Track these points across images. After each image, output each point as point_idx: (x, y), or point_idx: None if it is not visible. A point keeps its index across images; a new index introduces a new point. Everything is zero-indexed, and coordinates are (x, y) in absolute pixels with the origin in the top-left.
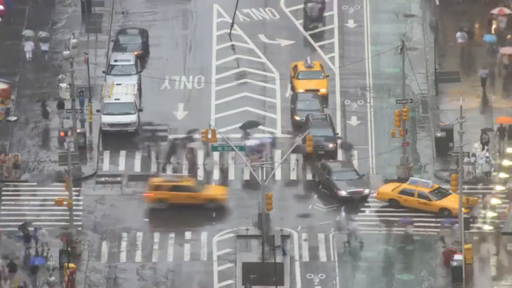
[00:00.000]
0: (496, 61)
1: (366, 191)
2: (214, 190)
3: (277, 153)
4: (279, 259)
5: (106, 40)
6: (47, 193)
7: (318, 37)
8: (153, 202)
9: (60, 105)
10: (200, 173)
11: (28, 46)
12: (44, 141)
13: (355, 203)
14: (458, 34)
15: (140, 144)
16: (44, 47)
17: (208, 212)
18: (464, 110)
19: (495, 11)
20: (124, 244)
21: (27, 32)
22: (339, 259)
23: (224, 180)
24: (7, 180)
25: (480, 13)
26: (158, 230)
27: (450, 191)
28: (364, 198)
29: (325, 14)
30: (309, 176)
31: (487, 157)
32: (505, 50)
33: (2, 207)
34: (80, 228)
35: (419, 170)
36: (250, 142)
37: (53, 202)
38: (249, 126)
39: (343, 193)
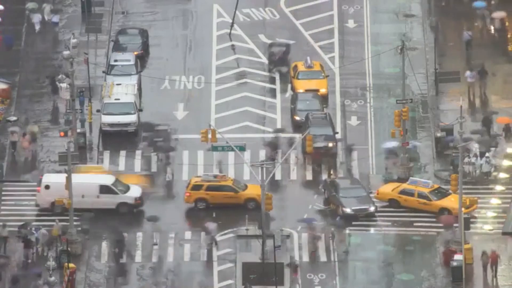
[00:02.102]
0: (486, 26)
1: (372, 208)
2: (253, 190)
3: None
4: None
5: (106, 40)
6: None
7: (318, 37)
8: (192, 202)
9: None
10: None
11: (36, 18)
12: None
13: (360, 219)
14: (468, 73)
15: (147, 149)
16: (55, 18)
17: (209, 212)
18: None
19: None
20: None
21: (31, 5)
22: (339, 259)
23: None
24: (7, 180)
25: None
26: (158, 230)
27: (450, 191)
28: (369, 215)
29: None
30: (309, 176)
31: (487, 157)
32: (496, 14)
33: (2, 207)
34: (80, 228)
35: (419, 170)
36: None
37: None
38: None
39: (347, 210)
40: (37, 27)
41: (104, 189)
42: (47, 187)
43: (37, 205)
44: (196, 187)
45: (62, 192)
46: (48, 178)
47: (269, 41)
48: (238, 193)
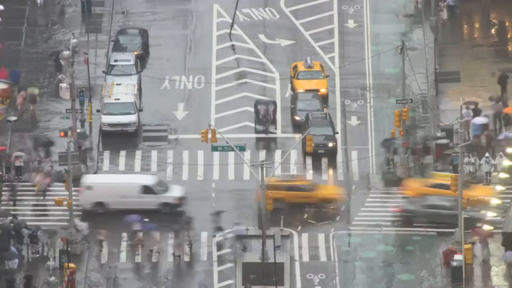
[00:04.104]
0: None
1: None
2: (329, 190)
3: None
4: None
5: (106, 40)
6: (47, 193)
7: (318, 37)
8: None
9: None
10: None
11: None
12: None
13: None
14: (464, 111)
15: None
16: None
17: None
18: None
19: None
20: (124, 244)
21: None
22: (339, 259)
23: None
24: (7, 180)
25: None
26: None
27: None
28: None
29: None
30: (309, 176)
31: (487, 157)
32: None
33: (2, 207)
34: (80, 228)
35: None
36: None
37: (53, 202)
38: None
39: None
40: (39, 0)
41: (145, 190)
42: (89, 187)
43: (80, 206)
44: (274, 187)
45: (105, 192)
46: (90, 178)
47: (269, 41)
48: (314, 193)
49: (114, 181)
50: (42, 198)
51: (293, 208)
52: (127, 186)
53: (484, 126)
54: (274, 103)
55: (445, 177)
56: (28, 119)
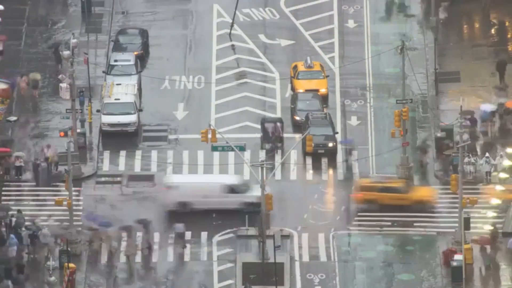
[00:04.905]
0: None
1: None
2: (422, 192)
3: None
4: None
5: (106, 40)
6: (47, 193)
7: (318, 37)
8: (362, 203)
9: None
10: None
11: None
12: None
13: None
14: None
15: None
16: None
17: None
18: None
19: None
20: (124, 244)
21: None
22: (339, 259)
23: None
24: (7, 180)
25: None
26: (158, 230)
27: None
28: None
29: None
30: (309, 177)
31: (487, 157)
32: None
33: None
34: (80, 228)
35: (419, 170)
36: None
37: (53, 202)
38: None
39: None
40: None
41: (229, 189)
42: (174, 187)
43: (163, 206)
44: (367, 188)
45: (190, 192)
46: (174, 178)
47: (269, 41)
48: (408, 195)
49: (197, 180)
50: (55, 170)
51: (294, 209)
52: (211, 186)
53: (493, 113)
54: (281, 120)
55: None
56: (29, 106)
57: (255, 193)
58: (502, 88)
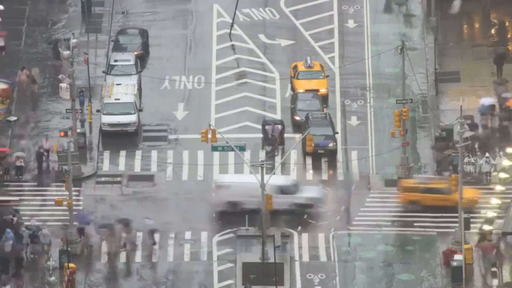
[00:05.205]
0: None
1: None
2: (466, 193)
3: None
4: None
5: (106, 40)
6: (48, 193)
7: (318, 37)
8: (405, 204)
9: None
10: None
11: None
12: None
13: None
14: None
15: None
16: None
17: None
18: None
19: None
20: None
21: None
22: (339, 259)
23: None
24: (7, 180)
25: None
26: (158, 230)
27: None
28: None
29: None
30: (309, 177)
31: (487, 157)
32: None
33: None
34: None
35: (419, 170)
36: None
37: (53, 202)
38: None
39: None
40: None
41: (281, 190)
42: (225, 187)
43: (212, 206)
44: (410, 189)
45: (241, 192)
46: (224, 178)
47: (269, 41)
48: (452, 196)
49: (248, 181)
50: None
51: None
52: (256, 186)
53: (492, 107)
54: (282, 123)
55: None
56: (29, 100)
57: (305, 194)
58: (501, 83)
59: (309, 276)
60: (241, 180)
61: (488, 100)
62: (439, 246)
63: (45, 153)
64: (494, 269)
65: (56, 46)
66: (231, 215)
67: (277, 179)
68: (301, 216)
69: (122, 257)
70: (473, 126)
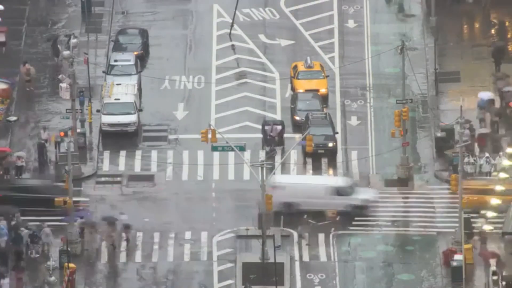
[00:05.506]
0: None
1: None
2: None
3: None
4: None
5: (106, 40)
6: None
7: (318, 37)
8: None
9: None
10: None
11: None
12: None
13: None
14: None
15: None
16: None
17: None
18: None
19: None
20: (124, 244)
21: None
22: (339, 259)
23: None
24: (7, 180)
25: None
26: (158, 230)
27: None
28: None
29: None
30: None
31: (487, 157)
32: None
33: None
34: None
35: (419, 170)
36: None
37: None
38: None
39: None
40: None
41: (333, 191)
42: (281, 188)
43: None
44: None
45: (296, 193)
46: (281, 178)
47: (269, 41)
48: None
49: (304, 181)
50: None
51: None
52: (317, 187)
53: (491, 101)
54: (282, 123)
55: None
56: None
57: (361, 196)
58: (501, 77)
59: (309, 276)
60: (299, 181)
61: (487, 95)
62: (439, 246)
63: (46, 144)
64: (495, 277)
65: (55, 42)
66: (287, 216)
67: (333, 180)
68: (333, 217)
69: (122, 257)
70: (472, 130)
